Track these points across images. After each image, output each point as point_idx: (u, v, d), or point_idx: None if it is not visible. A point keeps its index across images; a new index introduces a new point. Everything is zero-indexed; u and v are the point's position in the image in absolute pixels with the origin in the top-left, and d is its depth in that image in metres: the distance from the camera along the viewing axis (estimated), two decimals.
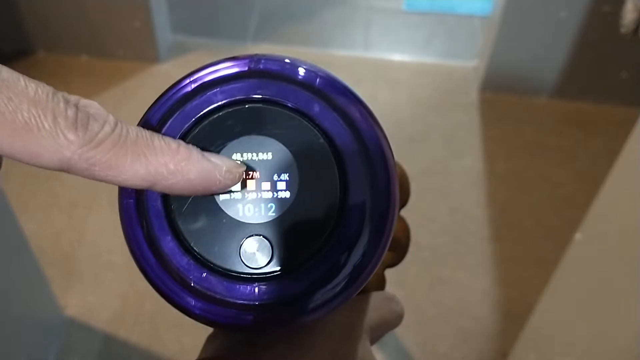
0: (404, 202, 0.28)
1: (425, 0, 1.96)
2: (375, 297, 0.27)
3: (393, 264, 0.29)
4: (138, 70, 1.68)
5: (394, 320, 0.28)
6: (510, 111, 1.65)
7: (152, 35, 1.67)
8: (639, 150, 0.65)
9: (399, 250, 0.29)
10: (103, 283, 1.28)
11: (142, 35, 1.66)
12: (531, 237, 1.40)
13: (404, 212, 0.29)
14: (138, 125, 0.19)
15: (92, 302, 1.25)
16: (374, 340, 0.27)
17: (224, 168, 0.18)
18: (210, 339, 0.25)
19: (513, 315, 1.27)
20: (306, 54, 1.79)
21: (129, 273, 1.29)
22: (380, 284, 0.29)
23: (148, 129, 0.18)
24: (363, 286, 0.19)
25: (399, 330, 1.23)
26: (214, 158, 0.18)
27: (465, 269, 1.34)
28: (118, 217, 0.20)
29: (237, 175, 0.18)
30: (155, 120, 0.19)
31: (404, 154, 1.54)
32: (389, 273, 0.30)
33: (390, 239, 0.20)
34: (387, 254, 0.28)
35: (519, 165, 1.53)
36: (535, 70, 1.63)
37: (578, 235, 0.79)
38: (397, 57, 1.79)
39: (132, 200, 0.19)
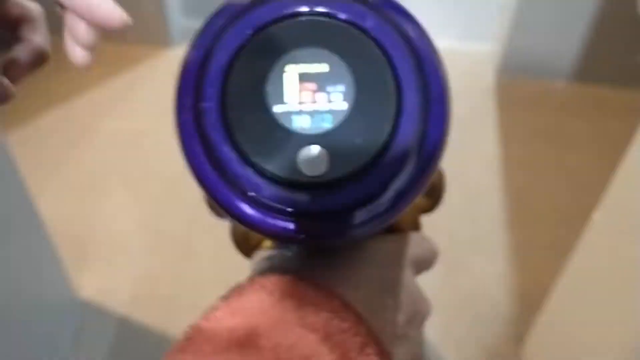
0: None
1: None
2: (413, 236, 0.28)
3: (428, 209, 0.30)
4: (150, 54, 1.67)
5: (430, 257, 0.29)
6: (527, 95, 1.63)
7: (164, 20, 1.66)
8: None
9: (434, 195, 0.29)
10: (117, 266, 1.28)
11: (154, 20, 1.65)
12: (547, 221, 1.38)
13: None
14: (193, 38, 0.20)
15: (106, 285, 1.25)
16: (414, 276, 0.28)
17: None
18: (262, 260, 0.26)
19: (528, 299, 1.26)
20: None
21: (143, 256, 1.29)
22: (416, 227, 0.30)
23: (204, 40, 0.19)
24: (403, 211, 0.19)
25: None
26: None
27: (481, 253, 1.33)
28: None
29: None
30: (211, 34, 0.19)
31: None
32: None
33: (434, 171, 0.19)
34: (422, 199, 0.29)
35: (536, 150, 1.51)
36: (552, 54, 1.61)
37: (596, 216, 0.77)
38: None
39: (189, 117, 0.19)
